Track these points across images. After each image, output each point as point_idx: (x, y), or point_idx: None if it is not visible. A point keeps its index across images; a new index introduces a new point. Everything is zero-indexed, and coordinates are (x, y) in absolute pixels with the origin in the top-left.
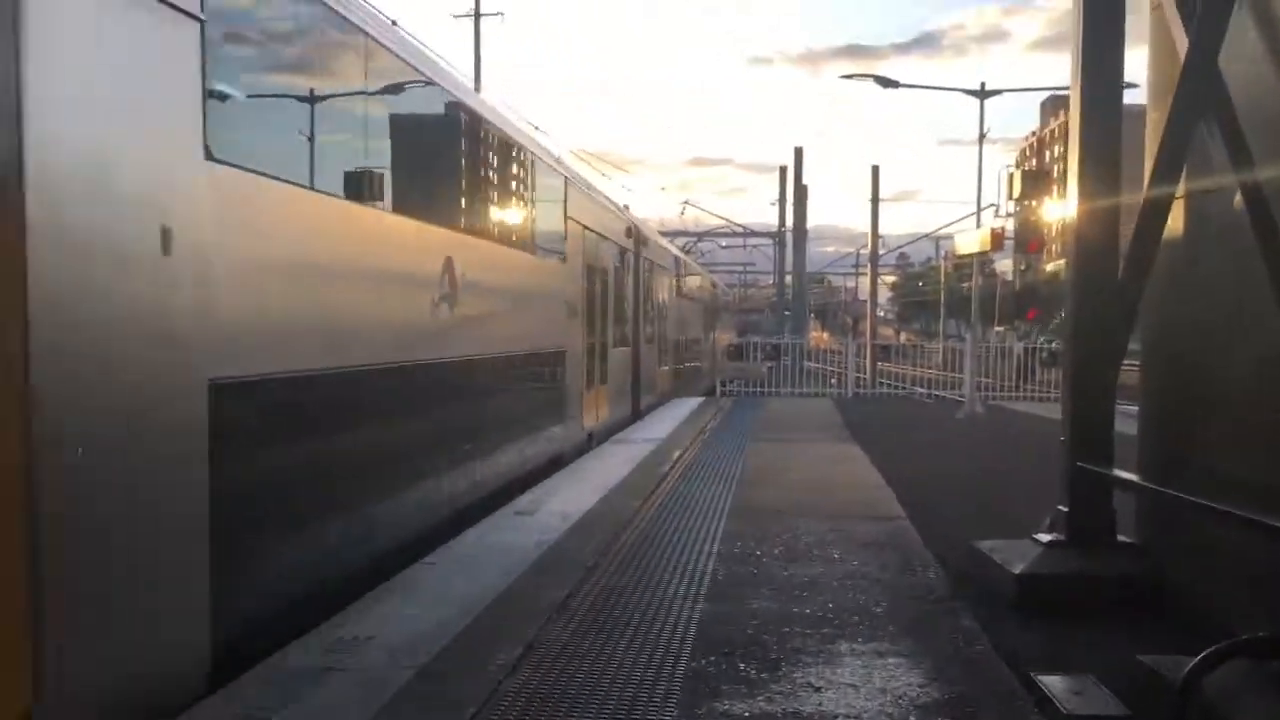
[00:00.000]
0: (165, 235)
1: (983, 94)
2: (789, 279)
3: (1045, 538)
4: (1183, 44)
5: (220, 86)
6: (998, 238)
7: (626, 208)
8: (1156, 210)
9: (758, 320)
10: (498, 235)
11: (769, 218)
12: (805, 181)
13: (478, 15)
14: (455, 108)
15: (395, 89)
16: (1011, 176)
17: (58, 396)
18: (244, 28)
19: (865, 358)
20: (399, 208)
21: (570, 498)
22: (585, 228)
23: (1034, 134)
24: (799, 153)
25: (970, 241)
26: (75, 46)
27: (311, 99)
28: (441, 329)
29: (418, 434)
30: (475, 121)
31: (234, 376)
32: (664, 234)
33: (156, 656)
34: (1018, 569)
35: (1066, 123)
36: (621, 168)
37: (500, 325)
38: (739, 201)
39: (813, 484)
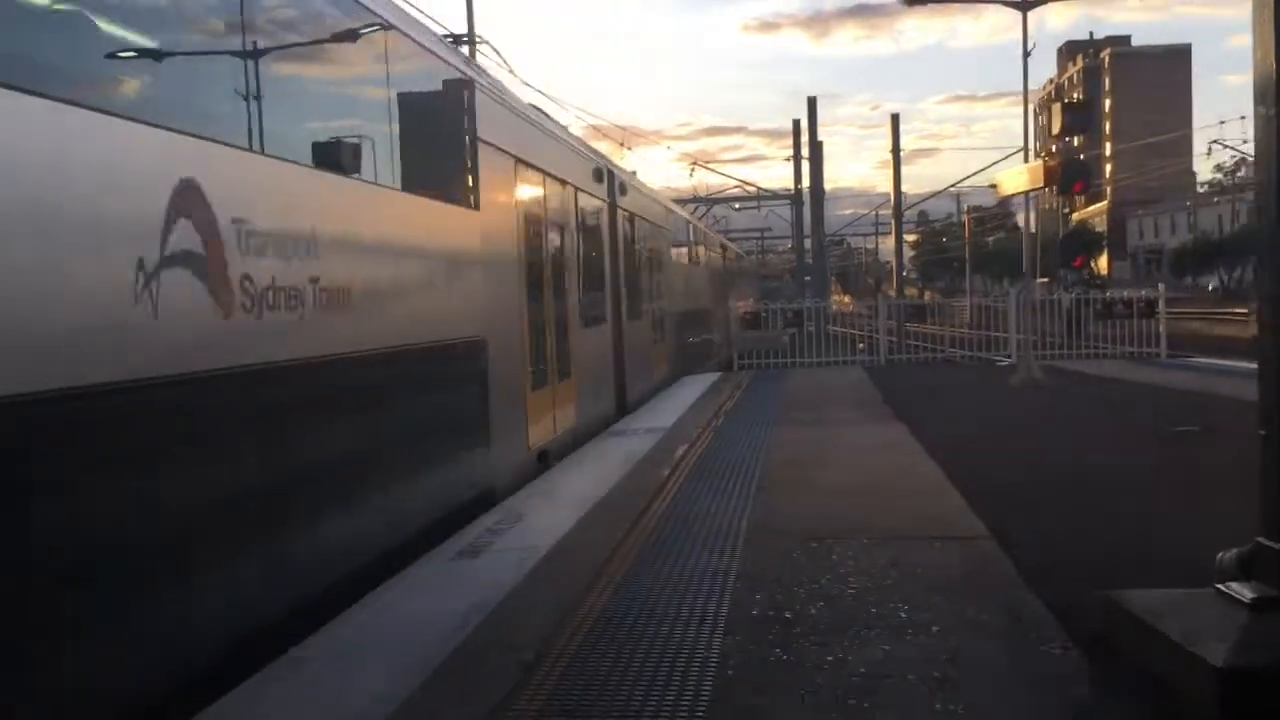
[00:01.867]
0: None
1: (1024, 4)
2: (808, 242)
3: (1245, 592)
4: None
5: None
6: (1051, 171)
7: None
8: None
9: (778, 287)
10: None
11: (785, 184)
12: (820, 139)
13: None
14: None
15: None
16: (1051, 110)
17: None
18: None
19: (895, 320)
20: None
21: (539, 523)
22: (715, 250)
23: (1052, 81)
24: (812, 104)
25: (1018, 179)
26: None
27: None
28: (683, 297)
29: (690, 328)
30: (686, 227)
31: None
32: (676, 201)
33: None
34: (1219, 657)
35: (1085, 68)
36: (642, 135)
37: (686, 295)
38: (754, 170)
39: (855, 486)
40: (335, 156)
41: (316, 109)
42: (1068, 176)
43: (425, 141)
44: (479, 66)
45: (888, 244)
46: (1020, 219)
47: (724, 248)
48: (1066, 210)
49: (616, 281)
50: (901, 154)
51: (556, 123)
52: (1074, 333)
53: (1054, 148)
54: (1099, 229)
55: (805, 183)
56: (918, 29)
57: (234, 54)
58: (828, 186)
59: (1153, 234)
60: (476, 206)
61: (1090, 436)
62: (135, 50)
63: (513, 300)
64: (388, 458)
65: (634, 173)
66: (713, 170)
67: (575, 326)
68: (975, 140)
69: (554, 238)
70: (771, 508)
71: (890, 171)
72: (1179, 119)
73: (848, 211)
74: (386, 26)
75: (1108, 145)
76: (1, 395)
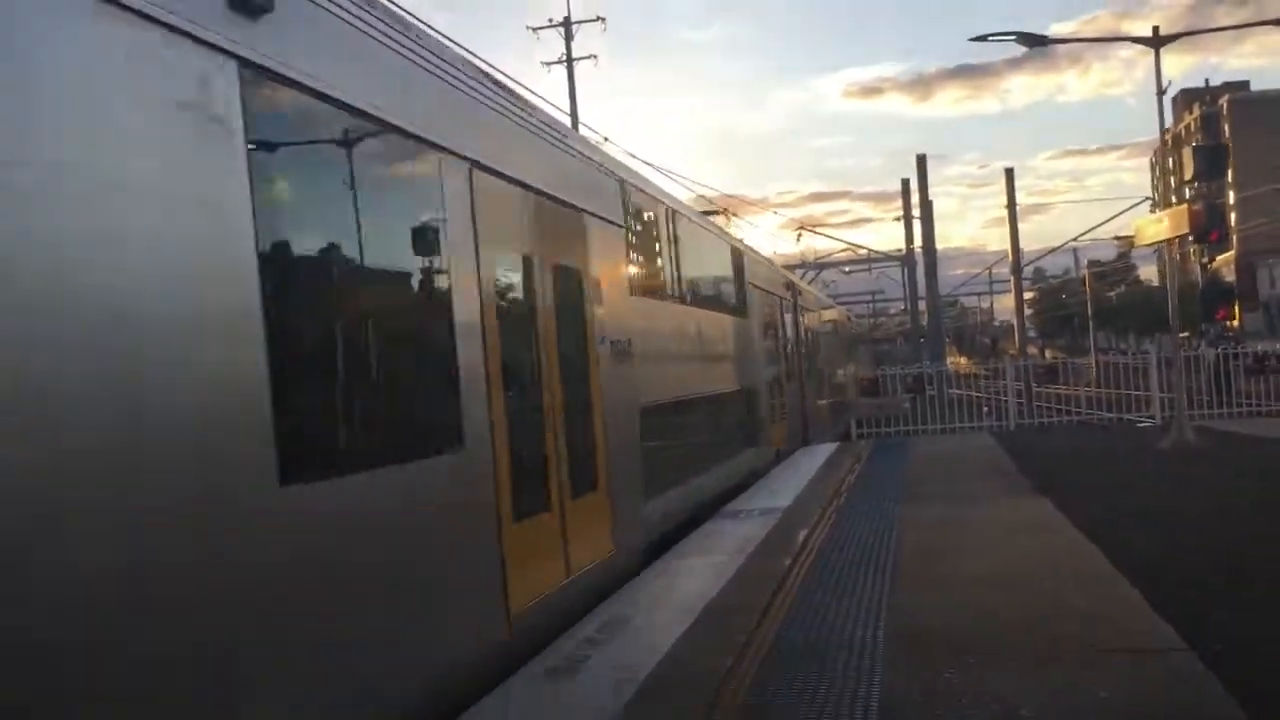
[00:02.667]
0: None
1: (1157, 40)
2: (920, 303)
3: None
4: None
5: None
6: (1197, 215)
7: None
8: None
9: (889, 350)
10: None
11: (893, 246)
12: (929, 198)
13: (570, 61)
14: (836, 317)
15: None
16: (1183, 154)
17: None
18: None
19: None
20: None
21: (644, 632)
22: (842, 320)
23: (1168, 131)
24: (922, 161)
25: (1158, 226)
26: None
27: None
28: (827, 362)
29: (830, 388)
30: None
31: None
32: (786, 266)
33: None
34: None
35: (1204, 115)
36: (749, 203)
37: (828, 360)
38: (861, 234)
39: (1005, 579)
40: (717, 302)
41: (721, 287)
42: (1207, 223)
43: (732, 286)
44: (744, 242)
45: (1002, 303)
46: (1142, 273)
47: (848, 318)
48: (1206, 260)
49: (798, 352)
50: (1016, 208)
51: (767, 256)
52: (1221, 390)
53: (1174, 197)
54: (1227, 279)
55: (916, 242)
56: (1023, 87)
57: (707, 278)
58: (938, 247)
59: None
60: (746, 316)
61: (1272, 511)
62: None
63: (758, 365)
64: (733, 441)
65: (741, 239)
66: (820, 234)
67: (783, 382)
68: (1087, 194)
69: (770, 326)
70: (910, 610)
71: (1002, 229)
72: None
73: (959, 271)
74: (738, 249)
75: (1231, 194)
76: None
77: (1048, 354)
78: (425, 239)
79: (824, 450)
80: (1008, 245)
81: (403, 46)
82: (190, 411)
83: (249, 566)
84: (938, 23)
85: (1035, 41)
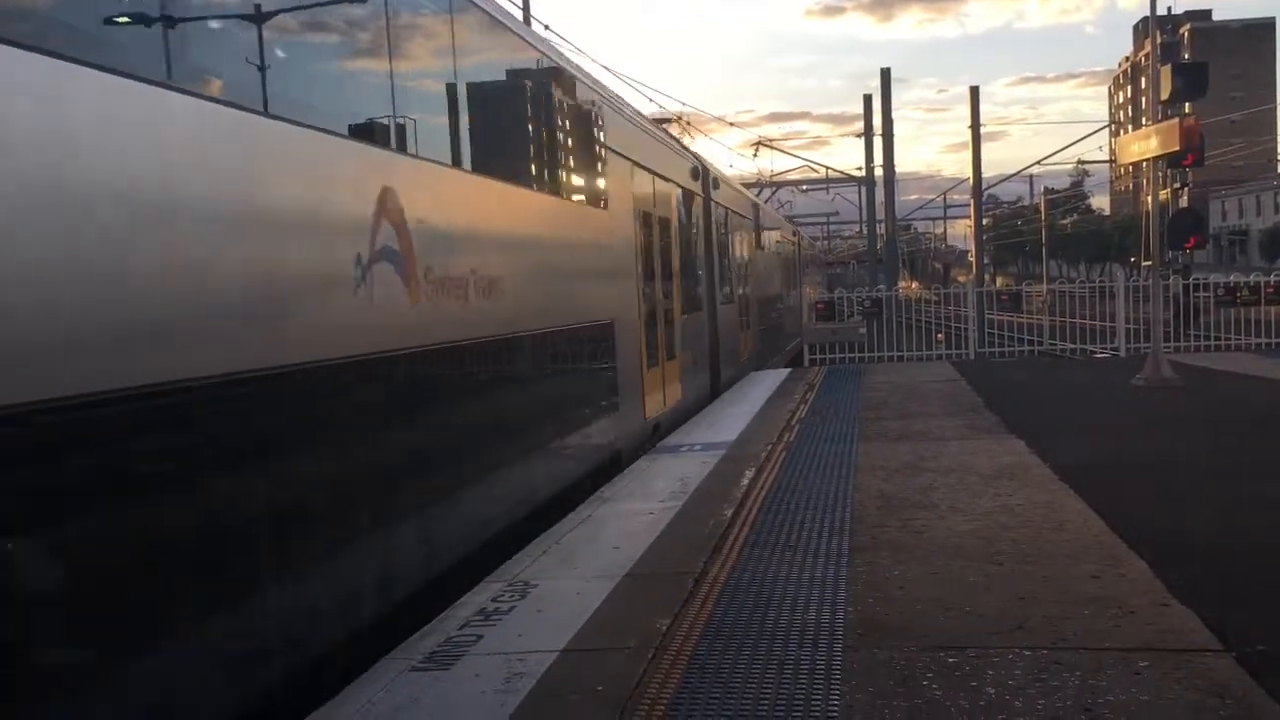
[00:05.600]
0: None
1: None
2: (879, 227)
3: None
4: None
5: None
6: (1191, 132)
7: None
8: None
9: (841, 273)
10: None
11: (849, 169)
12: (891, 117)
13: None
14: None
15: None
16: (1162, 73)
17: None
18: None
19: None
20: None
21: (551, 604)
22: (805, 243)
23: (1127, 59)
24: (886, 76)
25: (1144, 143)
26: None
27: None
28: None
29: (789, 310)
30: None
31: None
32: (744, 184)
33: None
34: None
35: (1164, 44)
36: (706, 120)
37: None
38: (819, 154)
39: (983, 542)
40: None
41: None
42: (1199, 141)
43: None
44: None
45: (955, 229)
46: (1094, 202)
47: (803, 239)
48: (1177, 184)
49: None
50: (980, 129)
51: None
52: (1186, 322)
53: (1130, 126)
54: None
55: (876, 162)
56: (983, 11)
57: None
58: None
59: (1236, 215)
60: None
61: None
62: None
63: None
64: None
65: (696, 155)
66: (779, 150)
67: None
68: (1044, 121)
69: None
70: (875, 584)
71: (957, 154)
72: (1263, 95)
73: (913, 196)
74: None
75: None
76: None
77: (999, 281)
78: None
79: (775, 376)
80: (963, 171)
81: None
82: None
83: None
84: None
85: None
